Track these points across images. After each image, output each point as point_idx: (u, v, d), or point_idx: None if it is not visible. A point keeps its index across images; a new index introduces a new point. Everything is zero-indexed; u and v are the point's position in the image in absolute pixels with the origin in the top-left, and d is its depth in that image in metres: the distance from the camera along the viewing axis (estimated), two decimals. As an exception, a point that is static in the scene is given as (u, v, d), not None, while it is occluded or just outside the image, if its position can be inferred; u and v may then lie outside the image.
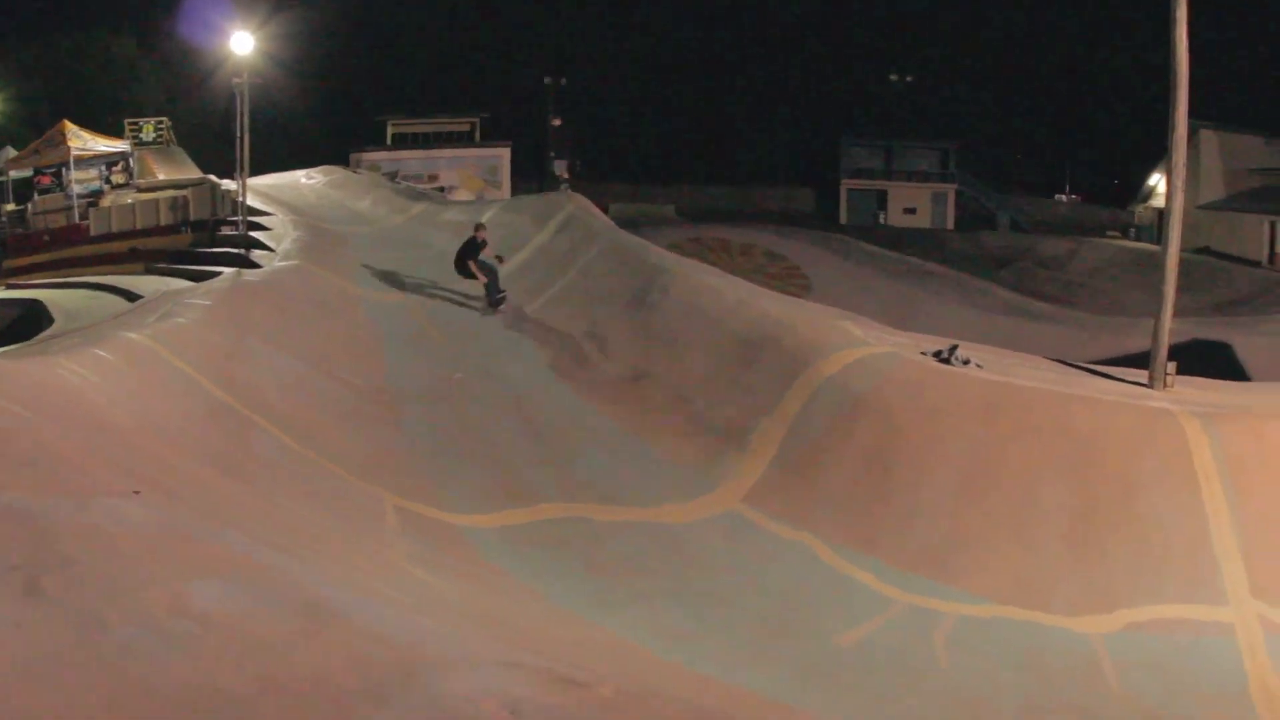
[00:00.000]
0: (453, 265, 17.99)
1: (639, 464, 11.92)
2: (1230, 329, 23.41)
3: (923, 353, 11.77)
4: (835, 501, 10.39)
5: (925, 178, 62.15)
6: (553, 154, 65.66)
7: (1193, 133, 46.05)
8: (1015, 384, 10.79)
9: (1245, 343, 21.27)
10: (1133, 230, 54.79)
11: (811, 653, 8.57)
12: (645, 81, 75.09)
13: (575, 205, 21.62)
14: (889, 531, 9.87)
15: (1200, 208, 45.64)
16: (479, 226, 18.54)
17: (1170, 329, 11.87)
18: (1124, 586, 9.03)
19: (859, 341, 12.19)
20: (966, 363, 11.38)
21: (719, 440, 11.90)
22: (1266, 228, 43.38)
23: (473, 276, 17.77)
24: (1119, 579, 9.08)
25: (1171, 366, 11.88)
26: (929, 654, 8.57)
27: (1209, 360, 19.59)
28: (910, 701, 8.04)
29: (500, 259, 18.29)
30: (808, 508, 10.41)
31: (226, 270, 18.66)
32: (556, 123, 67.12)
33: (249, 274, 17.78)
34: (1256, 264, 41.87)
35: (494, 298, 17.77)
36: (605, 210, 25.55)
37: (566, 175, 63.14)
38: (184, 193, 28.65)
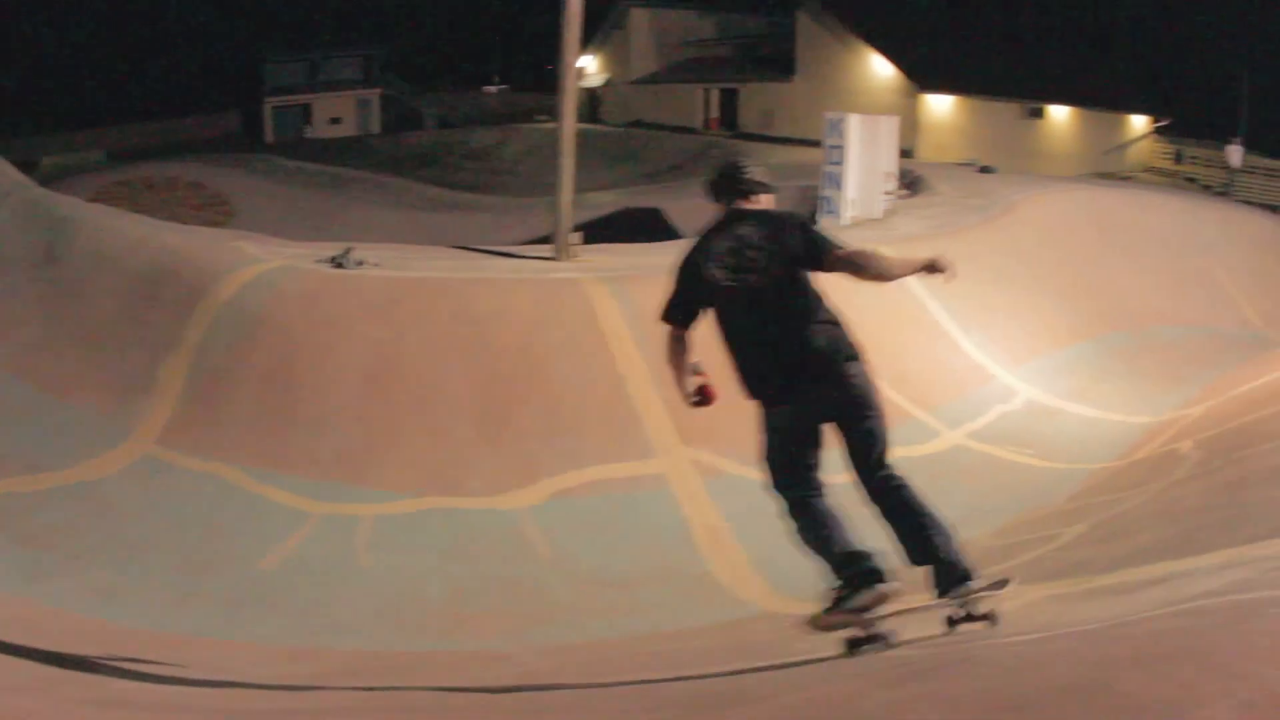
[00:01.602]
0: None
1: (59, 426, 10.72)
2: (660, 195, 24.55)
3: (318, 261, 11.38)
4: (243, 426, 9.84)
5: (350, 85, 61.16)
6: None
7: (624, 13, 48.43)
8: (412, 277, 10.65)
9: (673, 206, 22.29)
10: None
11: (236, 582, 8.11)
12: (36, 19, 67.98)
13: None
14: (298, 446, 9.45)
15: (633, 83, 48.35)
16: None
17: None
18: (544, 458, 9.11)
19: (254, 260, 11.55)
20: (361, 264, 11.11)
21: (130, 386, 10.95)
22: (700, 95, 45.77)
23: None
24: (538, 451, 9.15)
25: (576, 237, 12.20)
26: (351, 560, 8.35)
27: (639, 226, 20.43)
28: (339, 610, 7.76)
29: None
30: (216, 437, 9.75)
31: None
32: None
33: None
34: (692, 130, 44.16)
35: None
36: (36, 165, 22.80)
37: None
38: None
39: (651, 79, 47.91)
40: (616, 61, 49.35)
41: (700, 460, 9.39)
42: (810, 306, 4.93)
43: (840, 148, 15.80)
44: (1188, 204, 27.13)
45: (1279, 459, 7.53)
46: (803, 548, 4.88)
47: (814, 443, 4.92)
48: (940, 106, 38.09)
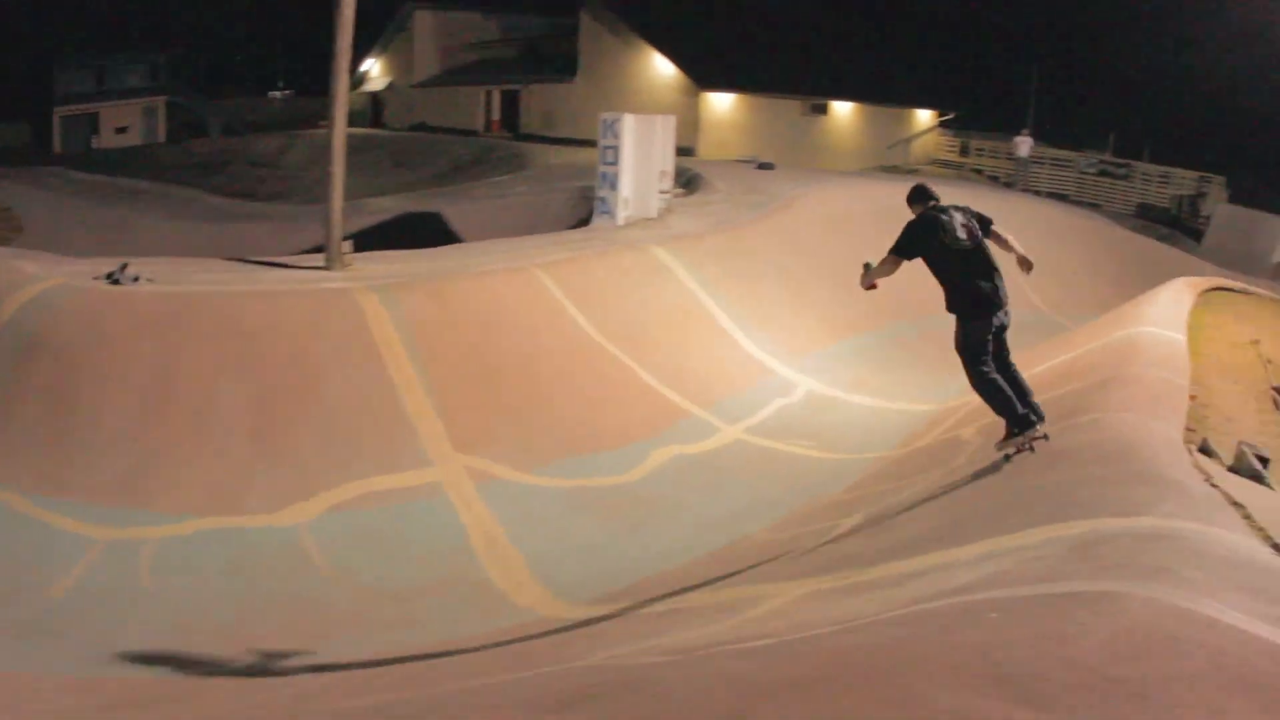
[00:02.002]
0: None
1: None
2: (441, 199, 24.28)
3: (95, 278, 11.03)
4: (24, 449, 9.20)
5: (137, 93, 58.60)
6: None
7: (408, 15, 47.42)
8: (185, 292, 10.21)
9: (453, 210, 21.99)
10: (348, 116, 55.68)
11: (27, 612, 7.67)
12: None
13: None
14: (79, 469, 8.97)
15: (416, 86, 47.43)
16: None
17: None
18: (320, 471, 8.98)
19: (33, 279, 11.08)
20: (137, 280, 10.80)
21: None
22: (483, 97, 45.12)
23: None
24: (313, 465, 9.02)
25: (347, 245, 12.15)
26: (136, 584, 8.04)
27: (420, 231, 20.23)
28: (127, 638, 7.54)
29: None
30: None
31: None
32: None
33: None
34: (474, 133, 43.44)
35: None
36: None
37: None
38: None
39: (434, 81, 47.15)
40: (400, 64, 48.55)
41: (474, 467, 9.45)
42: (993, 261, 8.06)
43: (615, 148, 15.94)
44: (969, 194, 27.98)
45: (1056, 443, 7.74)
46: (989, 403, 7.91)
47: (992, 340, 7.87)
48: (722, 104, 38.61)
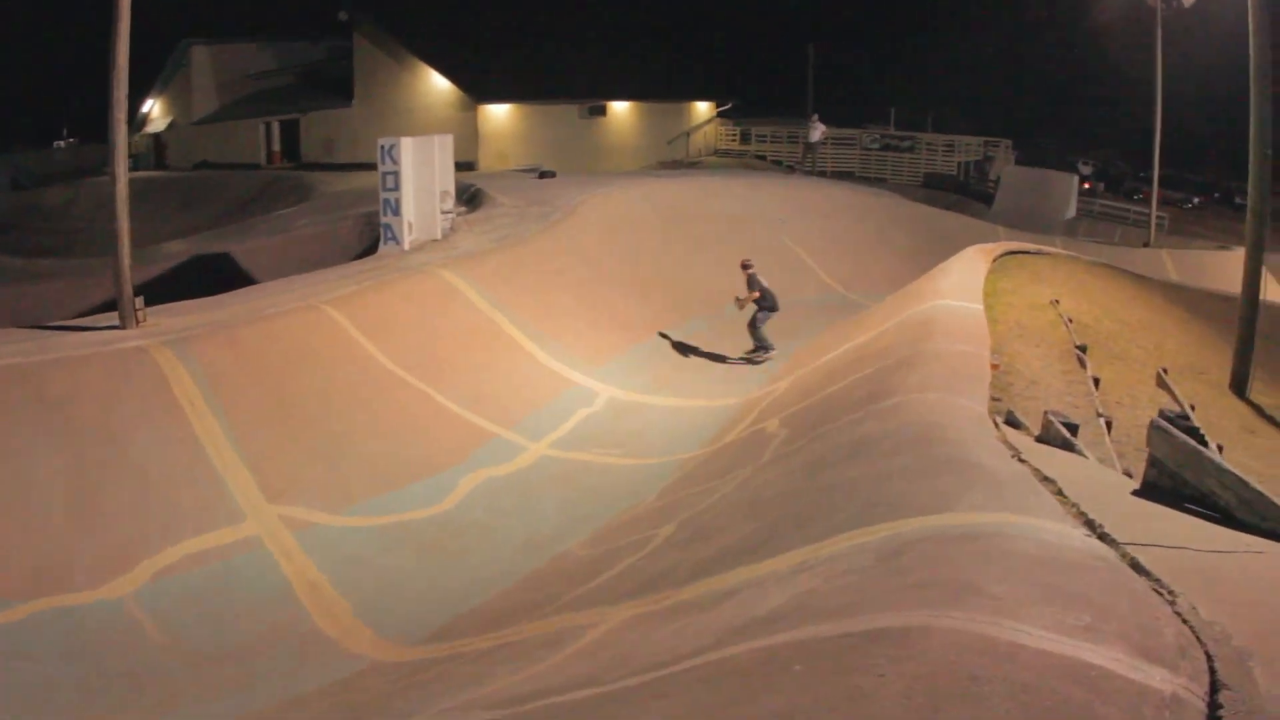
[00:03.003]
0: None
1: None
2: (228, 238, 23.67)
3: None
4: None
5: (-79, 152, 55.51)
6: None
7: (184, 52, 45.40)
8: None
9: (242, 249, 21.33)
10: (131, 159, 53.65)
11: None
12: None
13: None
14: None
15: (195, 124, 45.82)
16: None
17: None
18: (140, 538, 8.81)
19: None
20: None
21: None
22: (262, 129, 44.20)
23: None
24: (132, 532, 8.83)
25: (139, 301, 12.04)
26: None
27: (212, 273, 19.78)
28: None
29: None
30: None
31: None
32: None
33: None
34: (257, 166, 42.69)
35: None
36: None
37: None
38: None
39: (214, 118, 45.62)
40: (180, 103, 46.72)
41: (287, 515, 9.47)
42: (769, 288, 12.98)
43: (395, 173, 16.00)
44: (751, 183, 28.81)
45: (858, 431, 7.82)
46: (759, 342, 15.54)
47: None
48: (499, 115, 38.80)
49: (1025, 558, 4.44)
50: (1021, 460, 6.14)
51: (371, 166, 16.71)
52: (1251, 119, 14.90)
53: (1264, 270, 15.54)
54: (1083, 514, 5.04)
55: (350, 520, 9.89)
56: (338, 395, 11.31)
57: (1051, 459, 6.56)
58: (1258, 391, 14.72)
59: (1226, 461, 5.77)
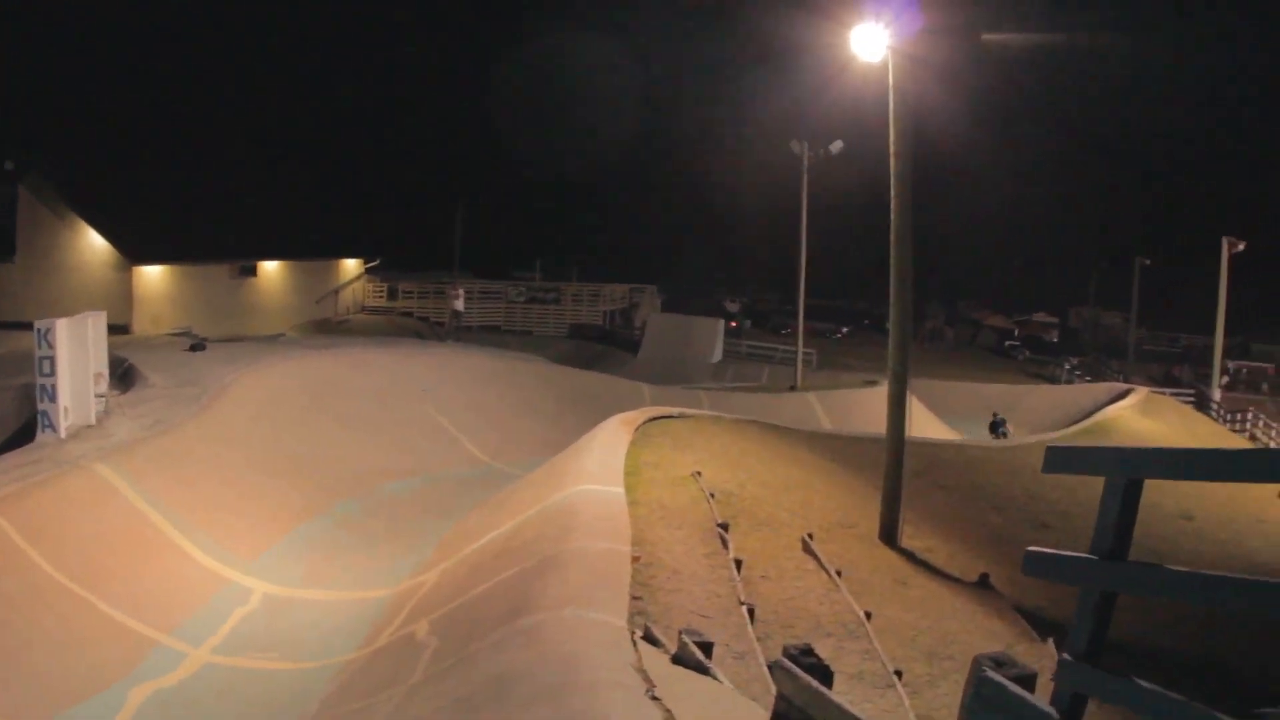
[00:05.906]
0: None
1: None
2: None
3: None
4: None
5: None
6: None
7: None
8: None
9: None
10: None
11: None
12: None
13: None
14: None
15: None
16: None
17: None
18: None
19: None
20: None
21: None
22: None
23: None
24: None
25: None
26: None
27: None
28: None
29: None
30: None
31: None
32: None
33: None
34: None
35: None
36: None
37: None
38: None
39: None
40: None
41: None
42: None
43: (51, 358, 15.45)
44: (401, 354, 29.15)
45: (501, 662, 7.53)
46: None
47: None
48: (154, 276, 38.42)
49: None
50: (654, 697, 6.12)
51: (31, 327, 16.04)
52: (892, 288, 16.07)
53: (910, 399, 16.24)
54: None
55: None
56: (2, 607, 10.93)
57: (687, 689, 6.67)
58: (909, 536, 15.25)
59: (848, 702, 5.57)
